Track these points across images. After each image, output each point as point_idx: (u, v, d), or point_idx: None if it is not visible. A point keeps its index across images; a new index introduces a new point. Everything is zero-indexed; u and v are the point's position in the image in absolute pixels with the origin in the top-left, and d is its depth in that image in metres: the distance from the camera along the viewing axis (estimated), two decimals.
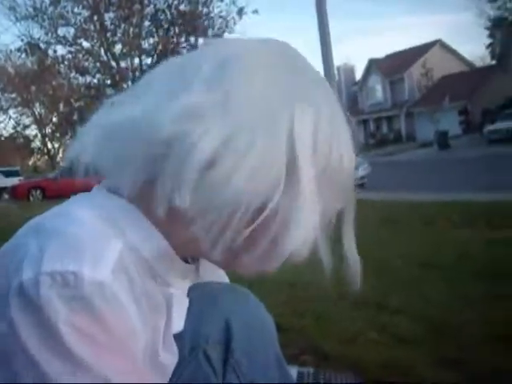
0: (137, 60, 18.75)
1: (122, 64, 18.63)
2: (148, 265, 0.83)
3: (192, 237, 0.81)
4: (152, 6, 18.30)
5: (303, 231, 0.80)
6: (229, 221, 0.78)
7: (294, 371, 1.90)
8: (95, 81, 19.03)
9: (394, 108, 49.20)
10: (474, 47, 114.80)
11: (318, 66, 15.83)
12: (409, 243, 6.18)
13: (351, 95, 56.09)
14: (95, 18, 17.89)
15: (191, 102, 0.77)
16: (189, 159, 0.76)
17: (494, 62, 41.16)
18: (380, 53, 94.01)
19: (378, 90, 51.86)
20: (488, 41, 35.50)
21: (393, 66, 49.73)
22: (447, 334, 2.81)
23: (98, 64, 18.78)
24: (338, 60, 70.02)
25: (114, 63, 18.59)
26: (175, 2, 18.04)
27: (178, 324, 0.92)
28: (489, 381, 2.17)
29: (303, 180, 0.78)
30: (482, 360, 2.38)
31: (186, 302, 0.94)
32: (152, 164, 0.80)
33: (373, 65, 52.33)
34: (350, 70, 58.50)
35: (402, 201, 10.60)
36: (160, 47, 18.13)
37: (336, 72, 55.44)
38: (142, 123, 0.80)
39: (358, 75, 57.00)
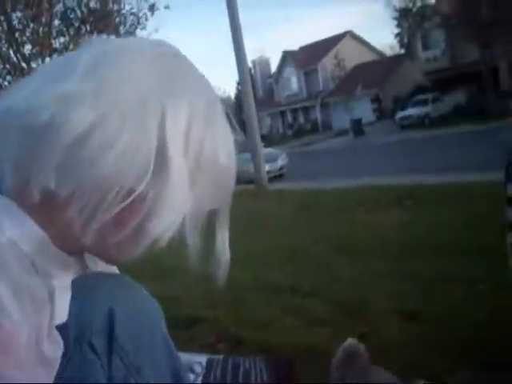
0: (48, 60, 18.18)
1: (33, 65, 18.03)
2: (29, 259, 0.83)
3: (67, 223, 0.82)
4: (61, 4, 17.80)
5: (168, 219, 0.84)
6: (99, 202, 0.80)
7: (203, 359, 1.88)
8: (6, 83, 18.33)
9: (310, 99, 49.98)
10: (384, 36, 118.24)
11: (232, 59, 15.90)
12: (325, 229, 6.30)
13: (267, 87, 56.60)
14: (2, 18, 17.21)
15: (65, 89, 0.80)
16: (55, 139, 0.78)
17: (402, 51, 42.52)
18: (294, 45, 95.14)
19: (293, 82, 52.51)
20: (396, 30, 36.66)
21: (306, 58, 50.52)
22: (356, 312, 2.89)
23: (7, 66, 18.10)
24: (253, 53, 70.65)
25: (24, 64, 17.98)
26: (85, 0, 17.63)
27: (62, 316, 0.91)
28: (395, 352, 2.24)
29: (173, 170, 0.81)
30: (389, 333, 2.46)
31: (69, 294, 0.92)
32: (27, 151, 0.81)
33: (287, 57, 52.93)
34: (265, 63, 59.02)
35: (320, 189, 10.79)
36: (71, 46, 17.66)
37: (251, 65, 56.01)
38: (18, 109, 0.82)
39: (274, 67, 57.55)
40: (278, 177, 18.32)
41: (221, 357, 1.95)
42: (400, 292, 3.17)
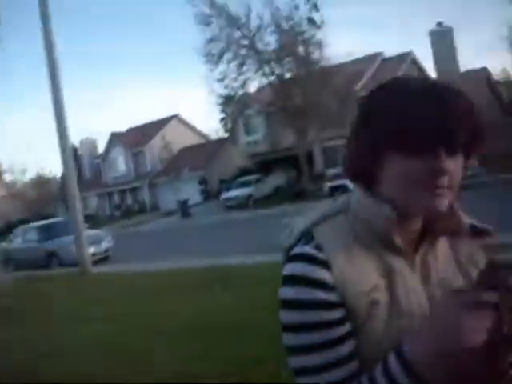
0: None
1: None
2: None
3: None
4: None
5: None
6: None
7: None
8: None
9: (138, 179, 49.97)
10: (210, 121, 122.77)
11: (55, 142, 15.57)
12: (145, 313, 6.31)
13: (94, 168, 55.75)
14: None
15: None
16: None
17: (226, 135, 44.41)
18: (122, 126, 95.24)
19: (120, 163, 52.25)
20: (221, 115, 38.36)
21: (134, 139, 50.77)
22: None
23: None
24: (80, 133, 69.44)
25: None
26: None
27: None
28: None
29: None
30: None
31: None
32: None
33: (115, 138, 52.79)
34: (91, 144, 58.38)
35: (141, 272, 10.76)
36: None
37: (79, 145, 54.92)
38: None
39: (102, 148, 57.03)
40: (103, 259, 17.95)
41: None
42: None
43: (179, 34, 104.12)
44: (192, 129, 53.59)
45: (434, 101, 1.06)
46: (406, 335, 1.06)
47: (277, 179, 36.97)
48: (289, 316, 1.11)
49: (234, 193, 35.03)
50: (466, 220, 1.24)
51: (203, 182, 44.16)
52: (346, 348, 1.10)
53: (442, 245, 1.25)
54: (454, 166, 1.09)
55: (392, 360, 1.04)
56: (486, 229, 1.28)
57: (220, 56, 32.37)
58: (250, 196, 34.31)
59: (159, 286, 8.38)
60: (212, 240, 17.20)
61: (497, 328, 0.98)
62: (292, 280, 1.10)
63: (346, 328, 1.10)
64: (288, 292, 1.11)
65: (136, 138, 50.74)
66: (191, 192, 41.14)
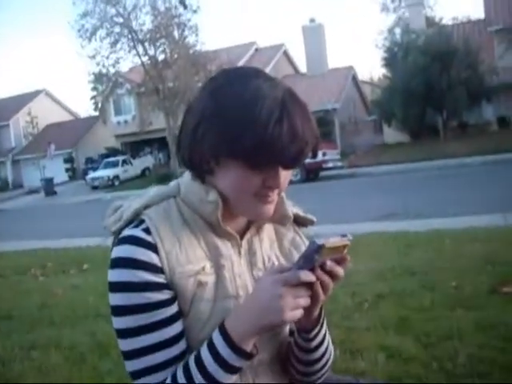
0: None
1: None
2: None
3: None
4: None
5: None
6: None
7: None
8: None
9: (0, 155, 47.49)
10: (80, 98, 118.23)
11: None
12: None
13: None
14: None
15: None
16: None
17: (96, 114, 43.35)
18: None
19: None
20: (91, 93, 37.38)
21: None
22: None
23: None
24: None
25: None
26: None
27: None
28: None
29: None
30: None
31: None
32: None
33: None
34: None
35: (7, 251, 10.47)
36: None
37: None
38: None
39: None
40: None
41: None
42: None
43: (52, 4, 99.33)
44: (60, 105, 51.61)
45: (285, 123, 1.04)
46: (230, 312, 1.12)
47: (145, 161, 36.82)
48: (115, 299, 1.12)
49: (101, 173, 34.46)
50: (291, 209, 1.29)
51: (69, 160, 42.89)
52: (173, 329, 1.13)
53: (268, 229, 1.31)
54: (287, 175, 1.15)
55: (215, 335, 1.09)
56: (308, 217, 1.36)
57: (93, 32, 31.48)
58: (116, 177, 33.92)
59: (17, 266, 8.27)
60: (75, 220, 16.96)
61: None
62: (118, 262, 1.11)
63: (173, 309, 1.13)
64: (114, 274, 1.11)
65: (0, 112, 48.10)
66: (57, 170, 39.81)
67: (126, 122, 39.01)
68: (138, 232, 1.13)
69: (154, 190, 1.25)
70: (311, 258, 1.02)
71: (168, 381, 1.10)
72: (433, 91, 27.23)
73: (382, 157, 25.83)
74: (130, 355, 1.13)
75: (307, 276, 1.02)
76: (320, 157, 21.06)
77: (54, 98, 51.05)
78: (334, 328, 2.74)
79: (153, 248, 1.11)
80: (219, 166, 1.11)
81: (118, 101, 38.82)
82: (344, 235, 1.05)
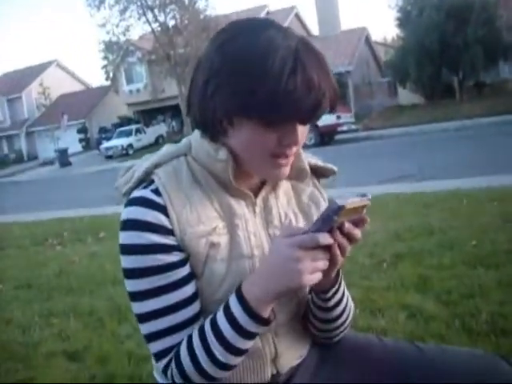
0: None
1: None
2: None
3: None
4: None
5: None
6: None
7: None
8: None
9: (14, 127, 47.67)
10: (92, 68, 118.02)
11: None
12: (15, 265, 6.28)
13: None
14: None
15: None
16: None
17: (108, 83, 43.24)
18: None
19: None
20: (102, 63, 37.23)
21: (10, 85, 48.16)
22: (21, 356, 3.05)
23: None
24: None
25: None
26: None
27: None
28: None
29: None
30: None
31: None
32: None
33: None
34: None
35: (25, 222, 10.55)
36: None
37: None
38: None
39: None
40: None
41: None
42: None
43: None
44: (72, 75, 51.55)
45: (299, 74, 0.98)
46: (246, 276, 1.09)
47: (158, 129, 36.74)
48: (126, 261, 1.10)
49: (115, 142, 34.43)
50: (309, 160, 1.26)
51: (83, 130, 42.96)
52: (186, 290, 1.10)
53: (284, 185, 1.26)
54: (304, 131, 1.09)
55: (232, 300, 1.06)
56: (329, 167, 1.33)
57: (102, 0, 31.23)
58: (130, 145, 33.92)
59: (33, 235, 8.34)
60: (90, 190, 17.03)
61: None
62: (127, 224, 1.09)
63: (185, 271, 1.10)
64: (123, 237, 1.09)
65: (12, 84, 48.13)
66: (70, 141, 39.93)
67: (138, 90, 38.83)
68: (147, 193, 1.11)
69: (164, 149, 1.21)
70: (330, 220, 0.99)
71: (183, 344, 1.10)
72: (448, 50, 26.66)
73: (397, 119, 25.52)
74: (143, 318, 1.12)
75: (325, 239, 0.99)
76: (334, 120, 20.85)
77: (65, 69, 51.00)
78: (352, 288, 2.70)
79: (162, 209, 1.09)
80: (232, 126, 1.05)
81: (130, 69, 38.61)
82: (364, 195, 1.01)
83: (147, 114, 38.99)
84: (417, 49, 27.28)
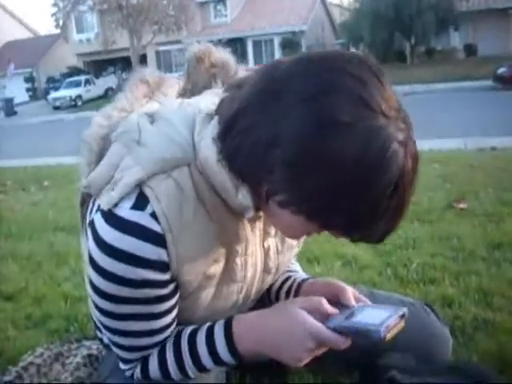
0: None
1: None
2: None
3: None
4: None
5: None
6: None
7: None
8: None
9: None
10: (39, 14, 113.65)
11: None
12: None
13: None
14: None
15: None
16: None
17: (57, 31, 41.90)
18: None
19: None
20: (53, 10, 35.96)
21: None
22: None
23: None
24: None
25: None
26: None
27: None
28: None
29: None
30: None
31: None
32: None
33: None
34: None
35: None
36: None
37: None
38: None
39: None
40: None
41: None
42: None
43: None
44: (20, 21, 49.63)
45: (395, 198, 0.86)
46: (231, 298, 1.12)
47: (108, 81, 35.96)
48: (105, 285, 0.97)
49: (63, 92, 33.58)
50: None
51: (30, 79, 41.66)
52: (166, 319, 1.05)
53: None
54: None
55: (219, 333, 1.06)
56: None
57: None
58: (79, 96, 33.16)
59: None
60: (36, 140, 16.64)
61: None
62: (122, 256, 0.93)
63: (171, 302, 1.04)
64: (117, 267, 0.94)
65: None
66: (17, 90, 38.68)
67: (88, 40, 37.81)
68: (144, 219, 0.93)
69: (156, 147, 0.96)
70: (363, 336, 0.94)
71: (154, 356, 1.09)
72: (401, 15, 26.95)
73: None
74: (112, 331, 1.06)
75: (345, 344, 0.98)
76: None
77: (12, 14, 48.95)
78: None
79: (161, 241, 0.94)
80: (276, 202, 0.90)
81: (80, 18, 37.53)
82: (403, 314, 0.98)
83: (97, 65, 38.10)
84: (371, 13, 27.42)
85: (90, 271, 0.99)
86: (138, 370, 1.11)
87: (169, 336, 1.09)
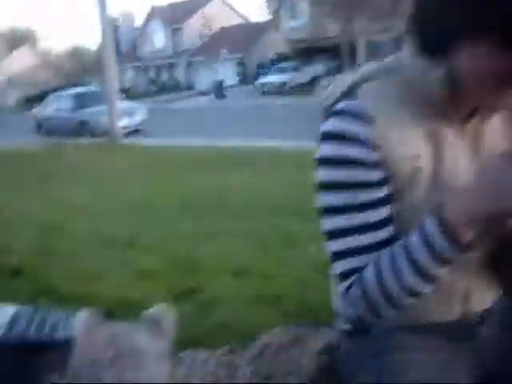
0: None
1: None
2: None
3: None
4: None
5: None
6: None
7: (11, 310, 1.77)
8: None
9: (175, 56, 49.31)
10: (251, 3, 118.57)
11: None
12: (172, 184, 6.27)
13: (131, 42, 54.88)
14: None
15: None
16: None
17: (266, 19, 43.22)
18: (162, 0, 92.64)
19: (158, 38, 51.41)
20: None
21: (174, 15, 49.60)
22: (189, 268, 2.88)
23: None
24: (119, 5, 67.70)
25: None
26: None
27: None
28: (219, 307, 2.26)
29: None
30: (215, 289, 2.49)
31: None
32: None
33: (155, 12, 51.64)
34: (129, 17, 56.93)
35: (174, 146, 10.72)
36: None
37: (118, 18, 53.63)
38: None
39: (140, 22, 55.85)
40: (134, 131, 17.75)
41: (30, 308, 1.85)
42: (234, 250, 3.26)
43: None
44: (233, 9, 51.99)
45: None
46: (448, 195, 0.98)
47: (315, 68, 36.04)
48: (323, 174, 1.04)
49: (270, 78, 34.32)
50: None
51: (241, 64, 43.40)
52: (382, 212, 1.03)
53: (497, 117, 1.12)
54: None
55: (429, 220, 0.96)
56: None
57: None
58: (285, 83, 33.62)
59: (192, 161, 8.35)
60: (246, 123, 17.02)
61: None
62: (330, 136, 1.02)
63: (384, 191, 1.03)
64: (325, 149, 1.03)
65: (176, 14, 49.53)
66: (227, 74, 40.52)
67: (298, 27, 38.26)
68: (354, 104, 1.03)
69: (368, 66, 1.12)
70: None
71: (370, 266, 1.02)
72: None
73: None
74: (332, 235, 1.05)
75: None
76: None
77: (227, 3, 51.39)
78: None
79: (369, 122, 1.00)
80: (459, 48, 0.92)
81: (293, 6, 38.09)
82: None
83: (306, 53, 38.38)
84: None
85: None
86: (355, 288, 1.04)
87: (383, 243, 1.03)
